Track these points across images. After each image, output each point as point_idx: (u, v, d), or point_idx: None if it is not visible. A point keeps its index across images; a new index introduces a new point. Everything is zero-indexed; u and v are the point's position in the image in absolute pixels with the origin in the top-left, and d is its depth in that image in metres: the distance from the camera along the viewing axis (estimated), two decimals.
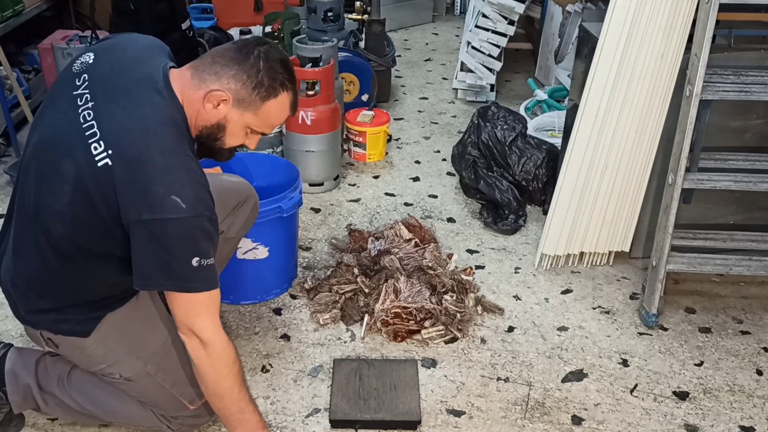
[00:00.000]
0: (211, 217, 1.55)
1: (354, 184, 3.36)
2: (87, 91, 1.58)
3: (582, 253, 2.75)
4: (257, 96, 1.58)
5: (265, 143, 3.31)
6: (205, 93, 1.56)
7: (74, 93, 1.59)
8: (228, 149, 1.69)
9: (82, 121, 1.54)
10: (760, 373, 2.28)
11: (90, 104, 1.56)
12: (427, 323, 2.35)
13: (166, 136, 1.53)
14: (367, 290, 2.45)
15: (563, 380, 2.22)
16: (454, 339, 2.34)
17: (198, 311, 1.60)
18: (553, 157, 3.11)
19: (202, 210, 1.53)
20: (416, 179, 3.43)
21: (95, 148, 1.51)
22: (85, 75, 1.61)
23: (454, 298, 2.42)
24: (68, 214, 1.56)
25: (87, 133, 1.52)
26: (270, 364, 2.24)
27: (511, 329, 2.43)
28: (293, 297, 2.55)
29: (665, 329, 2.46)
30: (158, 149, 1.51)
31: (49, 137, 1.61)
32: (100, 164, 1.50)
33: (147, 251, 1.53)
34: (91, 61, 1.64)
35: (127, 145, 1.51)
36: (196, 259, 1.53)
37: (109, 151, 1.50)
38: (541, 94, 4.00)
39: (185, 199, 1.49)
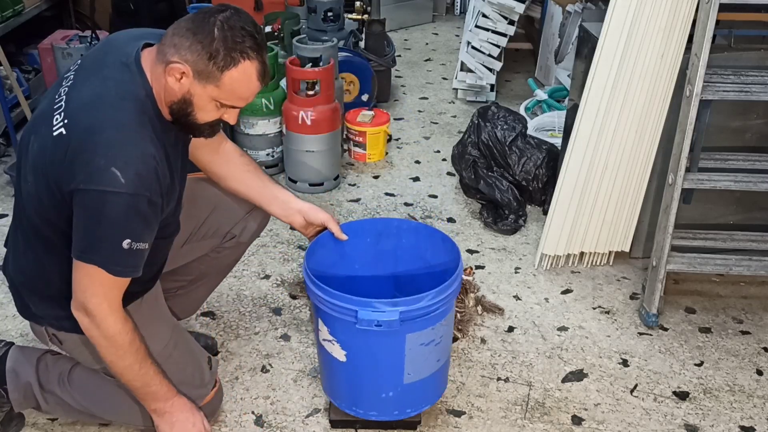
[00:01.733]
0: (151, 199, 1.51)
1: (354, 184, 3.37)
2: (72, 73, 1.62)
3: (582, 253, 2.75)
4: (214, 66, 1.50)
5: (265, 143, 3.32)
6: (165, 65, 1.52)
7: (64, 76, 1.64)
8: (205, 125, 1.62)
9: (56, 98, 1.57)
10: (760, 373, 2.28)
11: (69, 83, 1.59)
12: None
13: (122, 110, 1.52)
14: None
15: (563, 380, 2.22)
16: (454, 339, 2.34)
17: (98, 291, 1.56)
18: (553, 157, 3.11)
19: (142, 190, 1.49)
20: (416, 179, 3.43)
21: (56, 120, 1.53)
22: (79, 60, 1.66)
23: None
24: (35, 195, 1.58)
25: (54, 107, 1.55)
26: (270, 364, 2.24)
27: (511, 329, 2.43)
28: (293, 297, 2.55)
29: (665, 329, 2.46)
30: (110, 121, 1.50)
31: (30, 121, 1.67)
32: (55, 133, 1.51)
33: (81, 221, 1.51)
34: (90, 51, 1.70)
35: (81, 115, 1.51)
36: (127, 241, 1.50)
37: (65, 121, 1.51)
38: (541, 94, 4.00)
39: (125, 175, 1.46)
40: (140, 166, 1.49)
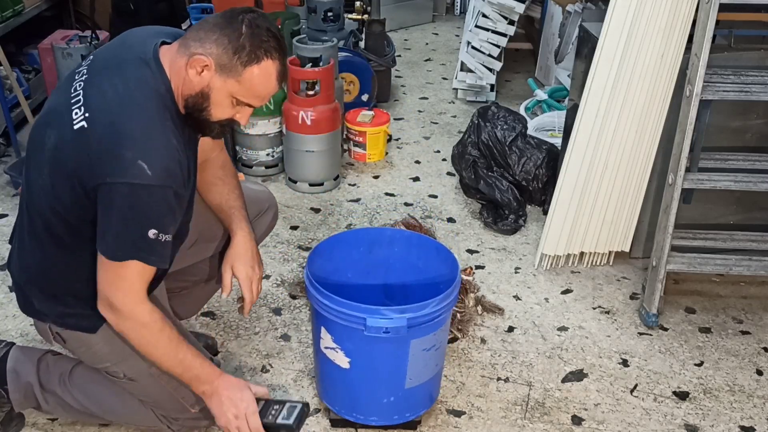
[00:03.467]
0: (177, 192, 1.53)
1: (354, 184, 3.37)
2: (85, 67, 1.63)
3: (582, 253, 2.75)
4: (238, 61, 1.53)
5: (265, 143, 3.32)
6: (188, 58, 1.55)
7: (76, 71, 1.64)
8: (217, 123, 1.63)
9: (72, 92, 1.58)
10: (760, 373, 2.28)
11: (84, 78, 1.60)
12: None
13: (145, 105, 1.54)
14: None
15: (563, 380, 2.22)
16: (454, 339, 2.34)
17: (123, 285, 1.56)
18: (553, 157, 3.11)
19: (169, 182, 1.51)
20: (416, 179, 3.43)
21: (75, 114, 1.54)
22: (92, 56, 1.68)
23: None
24: (50, 189, 1.58)
25: (72, 101, 1.56)
26: (270, 364, 2.24)
27: (511, 329, 2.43)
28: (293, 297, 2.55)
29: (665, 329, 2.46)
30: (134, 116, 1.52)
31: (43, 115, 1.67)
32: (76, 127, 1.52)
33: (108, 214, 1.52)
34: (104, 47, 1.71)
35: (104, 109, 1.53)
36: (153, 231, 1.51)
37: (86, 115, 1.52)
38: (541, 94, 4.00)
39: (152, 167, 1.48)
40: (166, 158, 1.51)
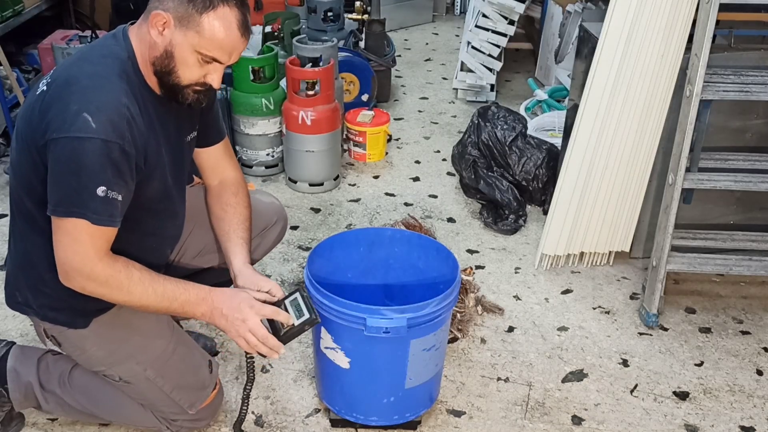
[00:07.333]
0: (123, 148, 1.49)
1: (354, 184, 3.37)
2: None
3: (582, 253, 2.75)
4: (193, 9, 1.50)
5: (265, 143, 3.32)
6: (149, 20, 1.54)
7: None
8: (189, 88, 1.60)
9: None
10: (760, 373, 2.28)
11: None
12: None
13: (101, 64, 1.54)
14: None
15: (563, 380, 2.22)
16: (454, 339, 2.34)
17: (78, 249, 1.52)
18: (553, 157, 3.11)
19: (114, 137, 1.47)
20: (416, 179, 3.43)
21: (42, 83, 1.57)
22: None
23: None
24: (17, 163, 1.60)
25: (44, 77, 1.61)
26: (270, 364, 2.24)
27: (511, 329, 2.43)
28: None
29: (665, 329, 2.46)
30: (87, 73, 1.52)
31: None
32: (38, 92, 1.56)
33: (55, 173, 1.49)
34: None
35: (61, 72, 1.56)
36: (102, 188, 1.48)
37: (48, 80, 1.56)
38: (541, 94, 4.00)
39: (97, 120, 1.45)
40: (112, 112, 1.48)
